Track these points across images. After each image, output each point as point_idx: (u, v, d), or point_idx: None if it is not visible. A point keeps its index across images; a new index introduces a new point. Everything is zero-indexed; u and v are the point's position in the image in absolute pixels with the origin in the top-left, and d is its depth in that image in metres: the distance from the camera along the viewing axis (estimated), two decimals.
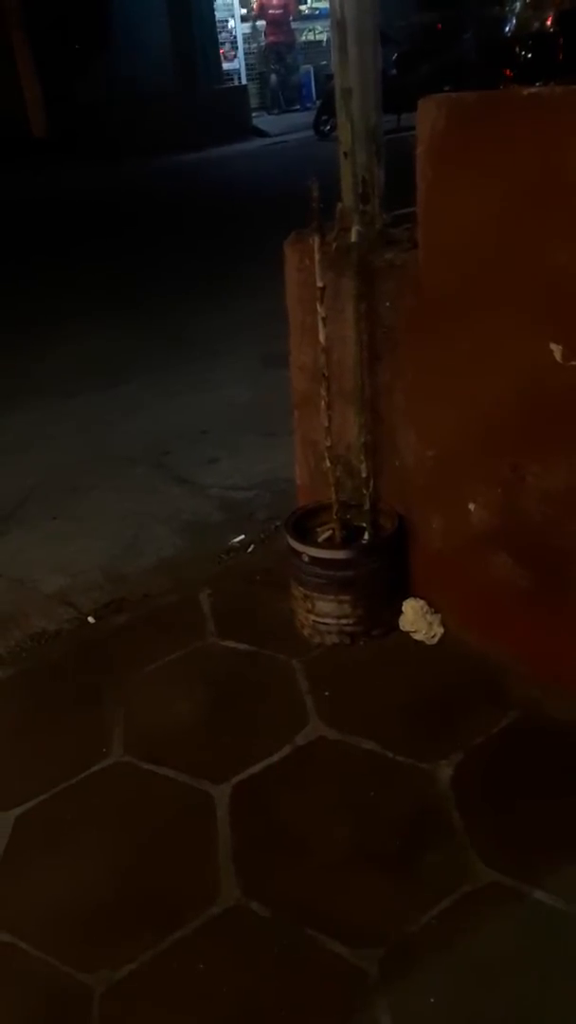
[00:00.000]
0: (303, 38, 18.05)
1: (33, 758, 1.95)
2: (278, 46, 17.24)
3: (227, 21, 17.77)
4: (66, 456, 3.58)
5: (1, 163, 12.99)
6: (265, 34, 17.22)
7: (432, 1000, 1.36)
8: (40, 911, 1.59)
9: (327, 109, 12.43)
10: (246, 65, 18.08)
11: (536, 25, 11.79)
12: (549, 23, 11.54)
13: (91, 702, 2.08)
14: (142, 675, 2.16)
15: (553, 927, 1.45)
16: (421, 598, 2.19)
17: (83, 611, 2.48)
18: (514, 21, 12.47)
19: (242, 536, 2.77)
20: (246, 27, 17.93)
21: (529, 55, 11.69)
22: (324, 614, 2.15)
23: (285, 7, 17.13)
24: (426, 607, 2.17)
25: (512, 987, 1.37)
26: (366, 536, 2.17)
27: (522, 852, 1.58)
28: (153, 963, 1.46)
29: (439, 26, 13.29)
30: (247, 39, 18.07)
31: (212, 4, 16.65)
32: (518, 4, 12.09)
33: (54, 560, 2.77)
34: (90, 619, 2.44)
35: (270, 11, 17.02)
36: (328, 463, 2.13)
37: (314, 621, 2.17)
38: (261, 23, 17.34)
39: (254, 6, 17.35)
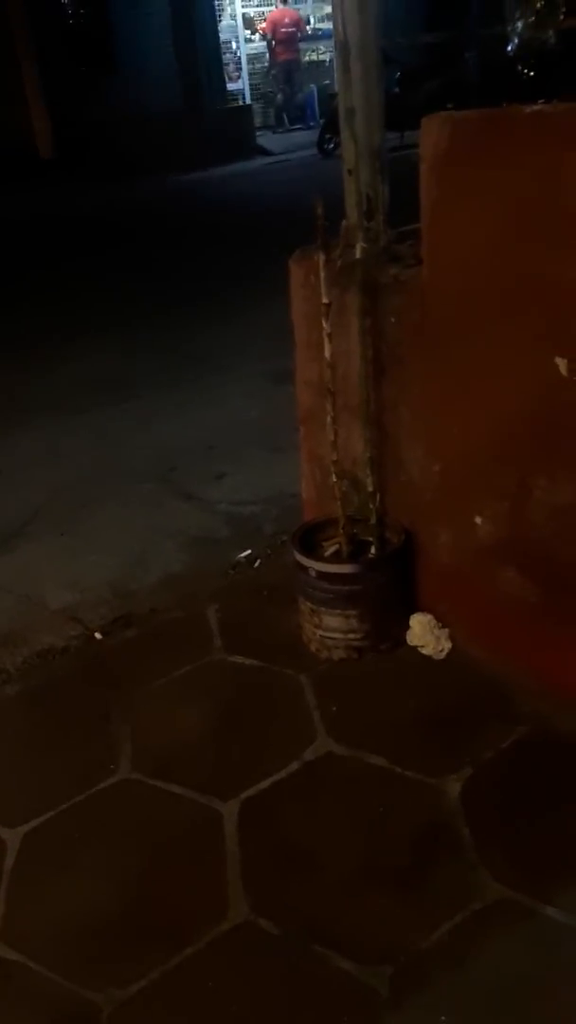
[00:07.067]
0: (306, 58, 18.18)
1: (41, 775, 1.95)
2: (288, 64, 17.34)
3: (231, 42, 17.96)
4: (74, 473, 3.59)
5: (9, 184, 13.13)
6: (275, 53, 17.31)
7: (443, 1018, 1.34)
8: (48, 929, 1.58)
9: (331, 128, 12.53)
10: (250, 85, 18.26)
11: (538, 43, 11.90)
12: (552, 41, 11.64)
13: (99, 718, 2.08)
14: (150, 691, 2.16)
15: (564, 944, 1.44)
16: (428, 612, 2.19)
17: (91, 627, 2.49)
18: (516, 40, 12.60)
19: (249, 551, 2.77)
20: (250, 48, 18.10)
21: (532, 73, 11.80)
22: (331, 629, 2.15)
23: (296, 25, 17.26)
24: (433, 621, 2.17)
25: (523, 1005, 1.35)
26: (373, 550, 2.17)
27: (532, 868, 1.57)
28: (162, 981, 1.46)
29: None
30: (251, 60, 18.25)
31: (216, 26, 16.86)
32: (520, 23, 12.20)
33: (62, 576, 2.78)
34: (97, 635, 2.45)
35: (281, 29, 17.11)
36: (334, 478, 2.14)
37: (321, 636, 2.17)
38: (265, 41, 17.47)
39: (263, 26, 17.46)
